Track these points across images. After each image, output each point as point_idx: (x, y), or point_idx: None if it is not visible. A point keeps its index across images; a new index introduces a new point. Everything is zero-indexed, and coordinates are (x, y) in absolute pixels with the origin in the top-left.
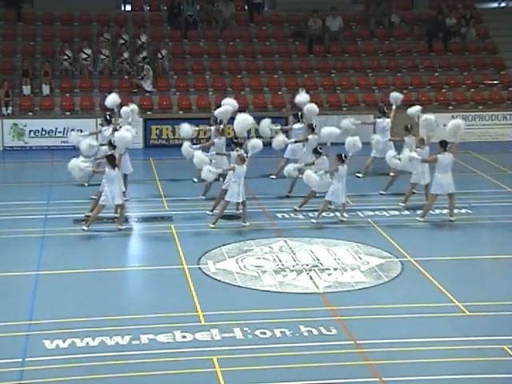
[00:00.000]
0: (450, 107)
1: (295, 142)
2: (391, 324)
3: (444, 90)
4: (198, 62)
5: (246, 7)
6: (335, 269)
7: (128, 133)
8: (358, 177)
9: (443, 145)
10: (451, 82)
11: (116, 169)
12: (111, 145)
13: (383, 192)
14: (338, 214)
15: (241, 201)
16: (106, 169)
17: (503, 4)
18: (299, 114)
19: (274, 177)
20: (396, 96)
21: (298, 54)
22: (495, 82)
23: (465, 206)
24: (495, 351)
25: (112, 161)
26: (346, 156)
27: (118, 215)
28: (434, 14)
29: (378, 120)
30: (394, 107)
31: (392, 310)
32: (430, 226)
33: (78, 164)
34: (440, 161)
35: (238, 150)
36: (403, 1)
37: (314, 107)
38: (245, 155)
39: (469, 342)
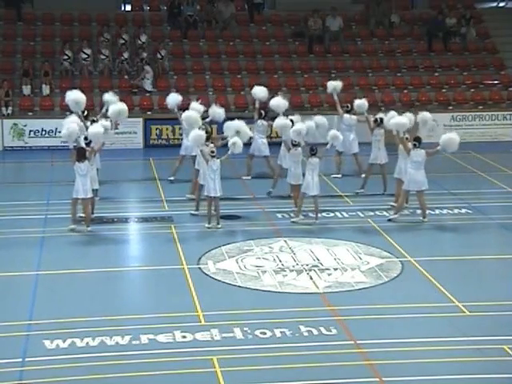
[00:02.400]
0: (450, 107)
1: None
2: (391, 324)
3: (444, 90)
4: (197, 61)
5: (246, 7)
6: (335, 269)
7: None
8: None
9: (417, 141)
10: (451, 82)
11: (86, 162)
12: (86, 138)
13: (383, 192)
14: (310, 214)
15: (218, 195)
16: (76, 162)
17: (503, 4)
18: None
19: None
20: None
21: (298, 54)
22: (495, 82)
23: (465, 206)
24: (495, 351)
25: (81, 154)
26: (315, 148)
27: (83, 214)
28: (433, 14)
29: (346, 115)
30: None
31: (392, 309)
32: (429, 225)
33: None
34: (411, 156)
35: (207, 145)
36: (403, 1)
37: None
38: (214, 149)
39: (469, 342)
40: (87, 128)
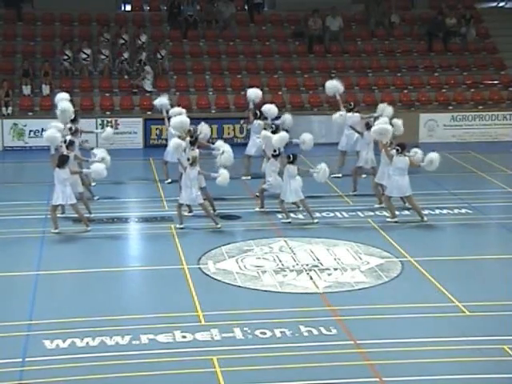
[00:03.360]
0: (450, 107)
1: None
2: (391, 324)
3: (444, 90)
4: (197, 61)
5: (246, 7)
6: (335, 269)
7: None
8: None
9: (400, 147)
10: (451, 82)
11: (66, 169)
12: (69, 144)
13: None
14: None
15: (198, 202)
16: (56, 168)
17: (503, 4)
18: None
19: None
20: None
21: (298, 54)
22: (495, 82)
23: (465, 206)
24: (495, 351)
25: (62, 161)
26: (292, 156)
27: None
28: (433, 14)
29: (349, 114)
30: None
31: (392, 309)
32: (429, 225)
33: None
34: (395, 162)
35: (193, 149)
36: (403, 1)
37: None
38: (193, 156)
39: (469, 342)
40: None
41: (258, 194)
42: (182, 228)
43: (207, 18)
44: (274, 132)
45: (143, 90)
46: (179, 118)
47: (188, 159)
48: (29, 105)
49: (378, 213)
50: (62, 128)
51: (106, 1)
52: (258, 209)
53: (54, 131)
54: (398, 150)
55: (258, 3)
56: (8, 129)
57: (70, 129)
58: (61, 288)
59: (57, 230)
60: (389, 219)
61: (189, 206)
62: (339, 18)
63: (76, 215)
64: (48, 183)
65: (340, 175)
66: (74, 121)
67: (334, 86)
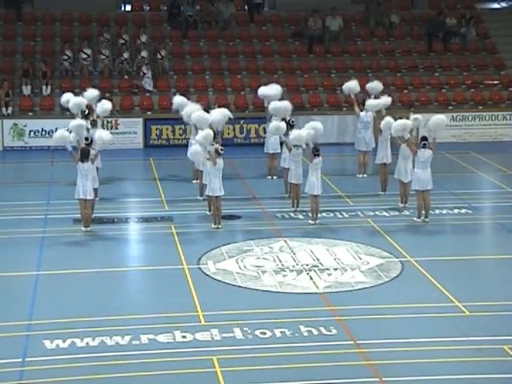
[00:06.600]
0: (450, 107)
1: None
2: (391, 324)
3: (444, 90)
4: (197, 61)
5: (246, 7)
6: (335, 269)
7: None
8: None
9: (424, 140)
10: (451, 82)
11: (89, 162)
12: (87, 139)
13: (381, 192)
14: (309, 214)
15: (221, 194)
16: (79, 162)
17: (503, 4)
18: None
19: (269, 177)
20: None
21: (298, 54)
22: (495, 82)
23: (465, 206)
24: (495, 351)
25: (85, 153)
26: (319, 149)
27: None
28: (433, 14)
29: (362, 113)
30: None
31: (392, 310)
32: (429, 225)
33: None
34: (418, 156)
35: (213, 144)
36: (403, 1)
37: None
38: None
39: (469, 342)
40: (87, 129)
41: (289, 194)
42: (218, 228)
43: (207, 19)
44: (291, 127)
45: (143, 90)
46: (199, 113)
47: (222, 149)
48: (29, 105)
49: (377, 213)
50: (83, 123)
51: (106, 1)
52: (292, 208)
53: (60, 132)
54: (424, 145)
55: (258, 3)
56: (8, 129)
57: (93, 121)
58: (61, 288)
59: (85, 229)
60: (415, 218)
61: (209, 205)
62: (339, 18)
63: (78, 214)
64: (48, 183)
65: (365, 175)
66: (87, 116)
67: (350, 86)
